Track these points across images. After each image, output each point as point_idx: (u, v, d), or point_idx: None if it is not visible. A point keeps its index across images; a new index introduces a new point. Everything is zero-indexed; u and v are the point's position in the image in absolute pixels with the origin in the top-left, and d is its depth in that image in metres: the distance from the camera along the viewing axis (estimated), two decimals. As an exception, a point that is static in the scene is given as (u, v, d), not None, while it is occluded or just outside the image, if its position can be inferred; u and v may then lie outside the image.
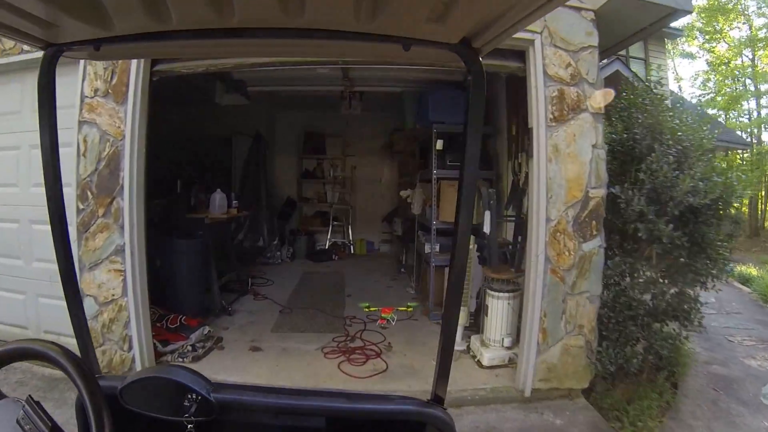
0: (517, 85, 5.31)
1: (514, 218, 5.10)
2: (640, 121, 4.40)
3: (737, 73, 21.13)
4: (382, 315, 6.11)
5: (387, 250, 11.48)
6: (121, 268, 4.23)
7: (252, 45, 1.58)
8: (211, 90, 6.89)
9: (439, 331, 1.49)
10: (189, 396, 1.39)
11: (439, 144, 5.91)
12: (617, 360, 4.16)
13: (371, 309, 6.42)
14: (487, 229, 4.78)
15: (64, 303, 1.56)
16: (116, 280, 4.25)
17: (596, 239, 4.19)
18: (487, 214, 4.78)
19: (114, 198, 4.16)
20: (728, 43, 21.15)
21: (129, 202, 4.14)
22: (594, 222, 4.16)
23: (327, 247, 10.85)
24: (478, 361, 4.75)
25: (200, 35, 1.31)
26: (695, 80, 29.02)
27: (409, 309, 6.47)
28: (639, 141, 4.28)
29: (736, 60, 21.20)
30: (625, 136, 4.41)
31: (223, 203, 6.47)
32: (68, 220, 1.58)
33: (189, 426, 1.37)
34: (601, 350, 4.22)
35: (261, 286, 7.77)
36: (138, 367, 4.32)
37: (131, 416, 1.37)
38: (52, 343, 1.18)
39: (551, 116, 4.06)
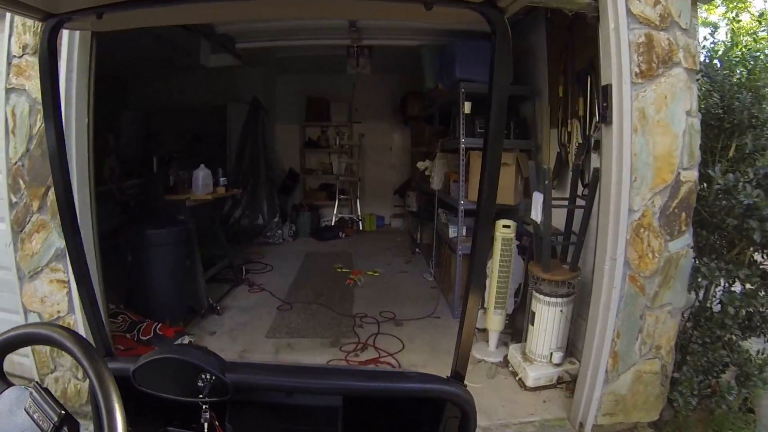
0: (567, 31, 4.32)
1: (566, 203, 4.11)
2: (735, 82, 3.38)
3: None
4: (352, 276, 6.52)
5: (398, 226, 10.54)
6: (64, 278, 3.28)
7: (261, 5, 1.49)
8: (196, 50, 5.89)
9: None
10: (203, 376, 1.36)
11: (468, 107, 4.90)
12: (701, 390, 3.23)
13: (342, 270, 6.95)
14: (536, 215, 3.79)
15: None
16: (60, 293, 3.31)
17: (685, 236, 3.21)
18: (538, 197, 3.79)
19: (49, 188, 3.19)
20: (750, 14, 19.80)
21: (68, 192, 3.14)
22: (684, 214, 3.17)
23: (333, 224, 9.89)
24: (521, 380, 3.83)
25: None
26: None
27: (376, 274, 6.86)
28: (735, 109, 3.27)
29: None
30: (715, 100, 3.40)
31: (207, 182, 5.51)
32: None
33: (204, 406, 1.36)
34: (679, 377, 3.29)
35: (258, 273, 6.87)
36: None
37: (145, 398, 1.35)
38: (58, 326, 1.14)
39: (637, 70, 3.01)
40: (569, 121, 4.42)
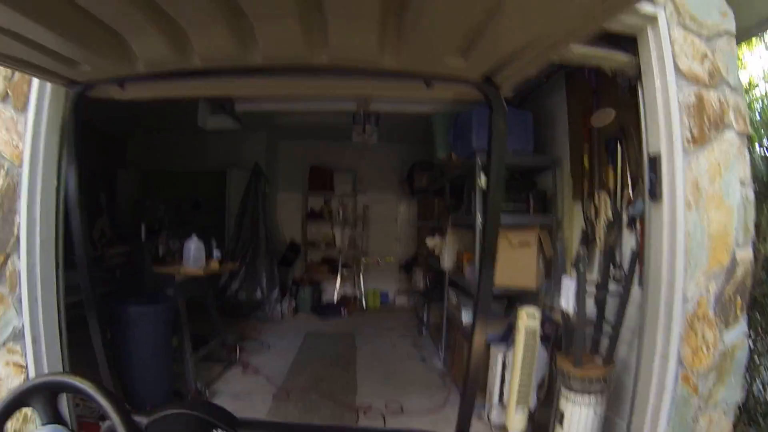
0: (591, 95, 4.01)
1: (595, 287, 3.65)
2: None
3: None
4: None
5: (404, 303, 9.97)
6: (21, 362, 2.79)
7: (274, 83, 1.58)
8: (193, 111, 5.60)
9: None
10: (214, 431, 1.40)
11: (484, 180, 4.52)
12: None
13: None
14: (567, 304, 3.33)
15: None
16: (17, 378, 2.80)
17: (740, 324, 2.78)
18: (569, 283, 3.34)
19: (8, 256, 2.71)
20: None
21: (28, 263, 2.68)
22: (739, 299, 2.74)
23: (335, 300, 9.36)
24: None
25: (224, 73, 1.37)
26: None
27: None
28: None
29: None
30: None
31: (199, 254, 5.06)
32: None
33: None
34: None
35: (254, 353, 6.29)
36: None
37: None
38: (86, 377, 1.23)
39: (688, 135, 2.64)
40: (596, 193, 4.04)
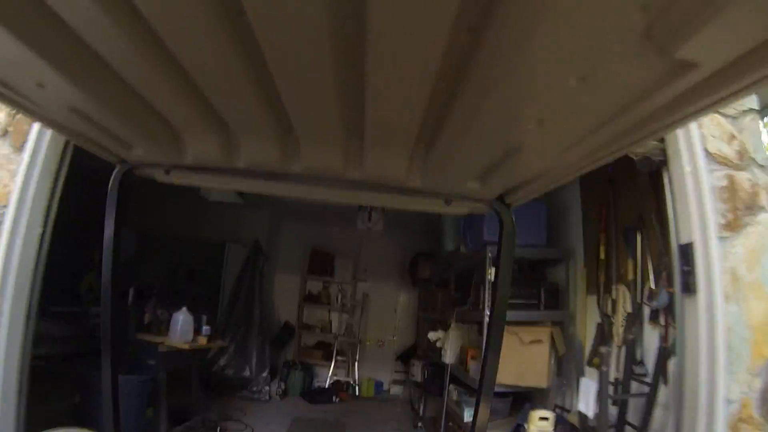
0: (607, 184, 4.01)
1: (623, 387, 3.47)
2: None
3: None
4: None
5: (398, 393, 9.55)
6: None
7: (311, 190, 1.66)
8: (196, 180, 5.59)
9: None
10: None
11: (491, 273, 4.44)
12: None
13: None
14: (587, 407, 3.13)
15: None
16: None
17: (781, 424, 2.58)
18: (589, 385, 3.16)
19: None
20: None
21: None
22: (785, 396, 2.57)
23: (327, 386, 8.97)
24: None
25: (265, 176, 1.48)
26: None
27: None
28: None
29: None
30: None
31: (187, 328, 4.89)
32: None
33: None
34: None
35: (236, 435, 5.95)
36: None
37: None
38: None
39: (722, 221, 2.58)
40: (614, 287, 3.94)
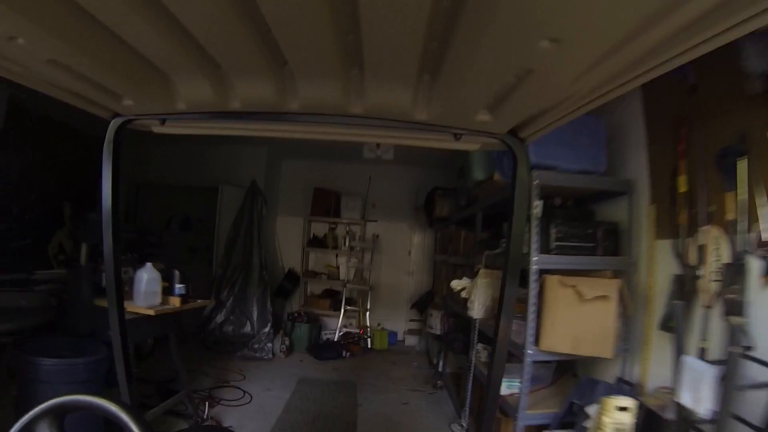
0: (687, 95, 3.03)
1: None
2: None
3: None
4: None
5: (414, 344, 8.77)
6: None
7: (310, 128, 1.63)
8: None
9: None
10: None
11: (539, 207, 3.43)
12: None
13: None
14: (694, 399, 2.20)
15: None
16: None
17: None
18: (701, 370, 2.22)
19: None
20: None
21: None
22: None
23: (336, 339, 8.17)
24: None
25: (263, 117, 1.46)
26: None
27: None
28: None
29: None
30: None
31: (153, 289, 3.96)
32: None
33: None
34: None
35: (231, 405, 5.12)
36: None
37: None
38: (111, 398, 1.22)
39: None
40: (700, 229, 2.93)
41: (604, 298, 3.11)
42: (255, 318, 7.42)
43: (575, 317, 3.13)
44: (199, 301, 4.57)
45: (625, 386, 3.29)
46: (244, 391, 5.58)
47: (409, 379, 6.67)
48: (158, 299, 4.00)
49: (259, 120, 1.49)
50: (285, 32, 0.98)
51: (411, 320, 9.08)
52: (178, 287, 4.22)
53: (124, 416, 1.15)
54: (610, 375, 3.57)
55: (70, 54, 1.06)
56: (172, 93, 1.32)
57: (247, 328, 7.37)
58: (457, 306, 5.40)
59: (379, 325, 8.74)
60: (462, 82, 1.12)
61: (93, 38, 1.01)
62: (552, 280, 3.22)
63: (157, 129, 1.59)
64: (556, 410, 3.42)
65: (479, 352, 4.63)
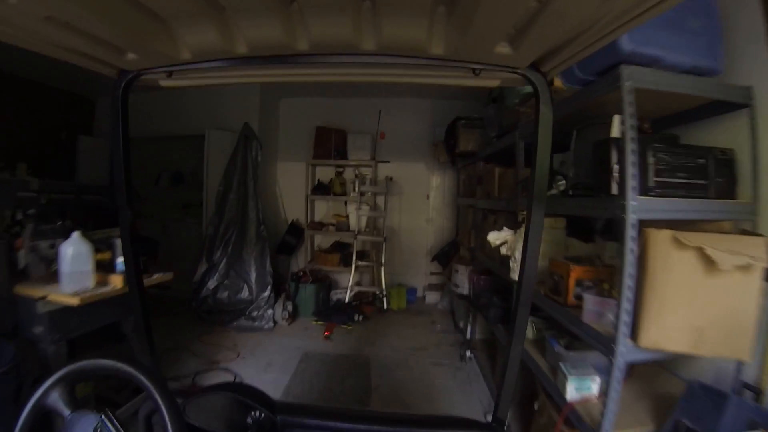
0: None
1: None
2: None
3: None
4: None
5: (435, 301, 7.74)
6: None
7: (322, 70, 1.56)
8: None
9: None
10: (252, 414, 1.46)
11: (616, 125, 2.25)
12: None
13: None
14: None
15: None
16: None
17: None
18: None
19: None
20: None
21: None
22: None
23: (347, 300, 7.11)
24: None
25: (271, 60, 1.37)
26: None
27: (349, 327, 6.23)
28: None
29: None
30: None
31: (81, 267, 2.89)
32: None
33: None
34: None
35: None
36: None
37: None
38: (128, 359, 1.24)
39: None
40: None
41: (746, 268, 1.94)
42: (253, 281, 6.39)
43: (698, 297, 1.99)
44: (156, 276, 3.49)
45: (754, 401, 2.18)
46: (235, 375, 4.61)
47: (432, 348, 5.64)
48: (89, 281, 2.94)
49: (267, 64, 1.40)
50: None
51: (432, 273, 8.05)
52: (121, 262, 3.14)
53: (146, 381, 1.17)
54: (715, 371, 2.46)
55: (67, 8, 1.02)
56: (176, 42, 1.27)
57: (245, 293, 6.37)
58: (492, 263, 4.31)
59: (397, 283, 7.71)
60: (479, 10, 1.02)
61: None
62: (661, 238, 2.03)
63: (164, 82, 1.54)
64: (649, 429, 2.34)
65: (538, 329, 3.57)
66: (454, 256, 6.81)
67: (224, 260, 6.39)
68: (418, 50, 1.27)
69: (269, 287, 6.37)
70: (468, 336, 5.52)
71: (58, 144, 7.23)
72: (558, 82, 2.67)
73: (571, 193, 2.81)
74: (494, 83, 1.52)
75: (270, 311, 6.27)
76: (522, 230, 3.30)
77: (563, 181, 3.04)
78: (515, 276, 3.38)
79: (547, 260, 3.07)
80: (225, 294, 6.35)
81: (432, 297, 7.82)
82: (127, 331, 3.55)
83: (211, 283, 6.33)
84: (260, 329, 6.12)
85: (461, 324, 6.05)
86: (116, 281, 3.08)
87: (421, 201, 8.06)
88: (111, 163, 1.36)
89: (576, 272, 2.70)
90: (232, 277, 6.42)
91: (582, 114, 2.74)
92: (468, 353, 5.25)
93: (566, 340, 3.02)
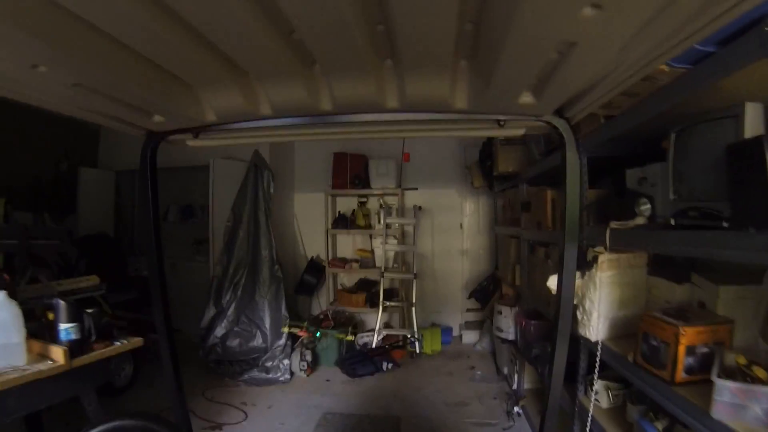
0: None
1: None
2: None
3: None
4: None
5: (473, 340, 6.86)
6: None
7: (344, 129, 1.60)
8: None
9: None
10: None
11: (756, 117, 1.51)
12: None
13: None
14: None
15: None
16: None
17: None
18: None
19: None
20: None
21: None
22: None
23: (374, 345, 6.29)
24: None
25: (295, 120, 1.40)
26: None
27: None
28: None
29: None
30: None
31: (8, 340, 2.24)
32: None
33: None
34: None
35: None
36: None
37: None
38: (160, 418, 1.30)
39: None
40: None
41: None
42: (267, 327, 5.67)
43: None
44: (118, 344, 2.76)
45: None
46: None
47: (473, 402, 4.80)
48: (20, 357, 2.23)
49: (293, 123, 1.41)
50: (309, 31, 0.95)
51: (468, 310, 7.23)
52: (65, 329, 2.42)
53: None
54: None
55: (94, 76, 1.05)
56: (201, 105, 1.30)
57: (258, 341, 5.63)
58: (546, 308, 3.49)
59: (430, 323, 6.90)
60: (501, 63, 1.02)
61: (116, 58, 0.99)
62: None
63: (191, 143, 1.58)
64: None
65: (599, 393, 2.74)
66: (494, 293, 5.98)
67: (234, 304, 5.69)
68: (442, 105, 1.27)
69: (285, 334, 5.62)
70: (515, 385, 4.70)
71: (57, 176, 6.71)
72: (665, 67, 1.88)
73: (673, 222, 2.00)
74: (519, 132, 1.55)
75: (286, 361, 5.53)
76: (595, 272, 2.50)
77: (648, 205, 2.25)
78: (585, 331, 2.59)
79: (628, 311, 2.28)
80: (236, 342, 5.62)
81: (469, 336, 6.96)
82: (87, 408, 2.81)
83: (219, 330, 5.61)
84: (275, 381, 5.36)
85: (505, 370, 5.23)
86: (57, 355, 2.36)
87: (453, 231, 7.29)
88: (144, 224, 1.43)
89: (688, 336, 1.88)
90: (243, 323, 5.70)
91: (679, 111, 1.95)
92: (516, 409, 4.41)
93: (665, 422, 2.19)
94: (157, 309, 1.68)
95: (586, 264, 2.57)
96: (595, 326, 2.52)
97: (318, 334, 5.78)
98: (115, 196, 7.52)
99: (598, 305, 2.49)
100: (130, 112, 1.30)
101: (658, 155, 2.21)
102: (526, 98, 1.22)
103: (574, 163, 1.42)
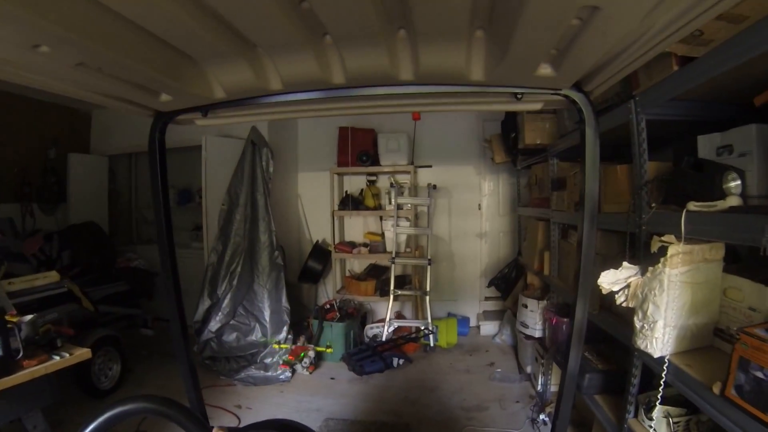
0: None
1: None
2: None
3: None
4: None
5: (492, 331, 6.30)
6: None
7: (357, 103, 1.53)
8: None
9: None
10: None
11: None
12: None
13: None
14: None
15: None
16: None
17: None
18: None
19: None
20: None
21: None
22: None
23: (385, 338, 5.75)
24: None
25: (307, 95, 1.34)
26: None
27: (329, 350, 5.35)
28: None
29: None
30: None
31: None
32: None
33: None
34: None
35: None
36: None
37: None
38: (169, 400, 1.23)
39: None
40: None
41: None
42: (266, 319, 5.18)
43: None
44: (57, 359, 2.24)
45: None
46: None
47: (492, 406, 4.25)
48: None
49: (304, 98, 1.34)
50: None
51: (487, 298, 6.68)
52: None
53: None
54: None
55: (98, 55, 1.01)
56: (209, 82, 1.27)
57: (256, 335, 5.15)
58: (563, 296, 2.93)
59: (446, 313, 6.35)
60: (519, 31, 0.96)
61: (120, 34, 0.96)
62: None
63: (200, 122, 1.56)
64: None
65: (658, 420, 2.19)
66: (516, 282, 5.40)
67: (230, 294, 5.20)
68: (457, 77, 1.22)
69: (286, 327, 5.14)
70: (539, 387, 4.16)
71: (46, 164, 6.24)
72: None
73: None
74: (536, 106, 1.53)
75: (287, 357, 4.99)
76: (659, 268, 1.91)
77: (738, 181, 1.67)
78: (646, 344, 2.01)
79: (699, 319, 1.71)
80: (232, 336, 5.14)
81: (488, 328, 6.39)
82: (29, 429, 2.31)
83: (214, 324, 5.12)
84: (274, 380, 4.86)
85: (528, 369, 4.70)
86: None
87: (471, 212, 6.69)
88: (153, 204, 1.37)
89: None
90: (240, 316, 5.22)
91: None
92: (542, 416, 3.86)
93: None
94: (170, 293, 1.65)
95: (649, 257, 1.97)
96: (661, 338, 1.94)
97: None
98: (108, 183, 7.03)
99: (665, 311, 1.90)
100: (136, 92, 1.26)
101: (740, 118, 1.64)
102: (544, 70, 1.17)
103: (593, 141, 1.35)
